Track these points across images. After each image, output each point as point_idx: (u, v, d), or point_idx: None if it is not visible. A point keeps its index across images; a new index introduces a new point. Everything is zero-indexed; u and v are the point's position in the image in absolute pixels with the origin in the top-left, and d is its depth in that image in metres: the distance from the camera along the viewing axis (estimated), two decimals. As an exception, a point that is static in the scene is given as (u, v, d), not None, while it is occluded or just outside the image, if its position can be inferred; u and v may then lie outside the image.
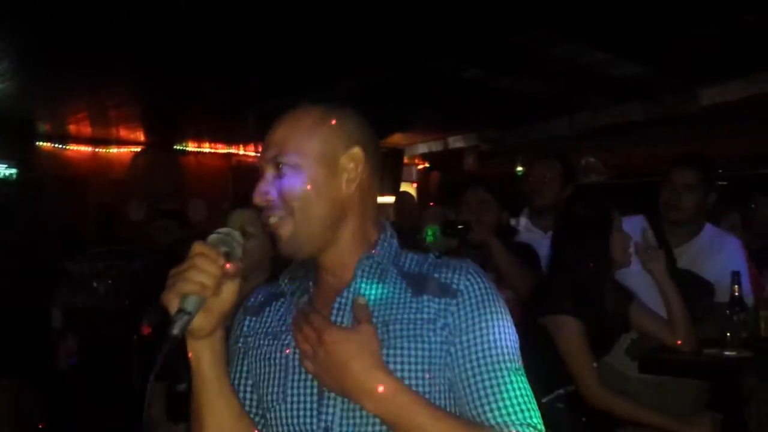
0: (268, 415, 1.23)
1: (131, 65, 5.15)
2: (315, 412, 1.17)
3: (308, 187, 1.21)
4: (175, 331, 1.06)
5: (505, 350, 1.16)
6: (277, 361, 1.24)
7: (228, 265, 1.13)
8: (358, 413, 1.15)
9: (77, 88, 6.04)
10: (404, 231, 1.89)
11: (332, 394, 1.15)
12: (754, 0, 3.85)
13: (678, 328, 2.46)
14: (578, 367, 2.32)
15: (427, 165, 9.92)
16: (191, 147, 8.92)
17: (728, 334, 2.47)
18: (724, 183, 3.89)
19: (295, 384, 1.20)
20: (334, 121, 1.26)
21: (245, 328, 1.34)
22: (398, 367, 1.14)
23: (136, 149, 8.32)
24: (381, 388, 1.08)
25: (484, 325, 1.17)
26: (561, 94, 6.04)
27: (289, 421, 1.19)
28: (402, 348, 1.16)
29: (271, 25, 4.07)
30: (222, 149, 9.19)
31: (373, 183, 1.30)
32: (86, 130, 7.68)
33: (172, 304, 1.08)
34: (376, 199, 1.34)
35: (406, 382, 1.12)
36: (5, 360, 3.37)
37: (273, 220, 1.23)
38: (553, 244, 2.63)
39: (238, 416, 1.21)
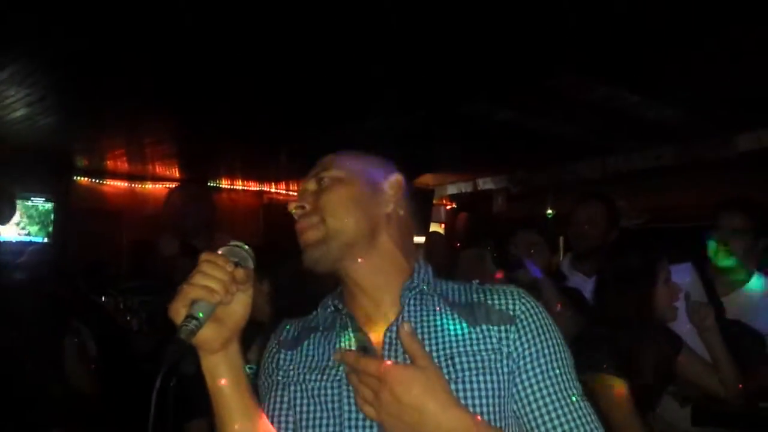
0: None
1: (168, 104, 5.25)
2: None
3: (346, 195, 1.21)
4: (182, 335, 0.99)
5: (571, 375, 1.14)
6: (328, 398, 1.17)
7: (236, 271, 1.09)
8: None
9: (116, 125, 6.15)
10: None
11: None
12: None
13: (725, 381, 2.34)
14: (623, 426, 2.16)
15: (454, 206, 9.89)
16: (224, 184, 9.02)
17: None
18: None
19: (353, 423, 1.13)
20: (378, 157, 1.32)
21: (281, 362, 1.27)
22: (469, 402, 1.08)
23: (170, 185, 8.43)
24: (461, 427, 1.00)
25: (547, 351, 1.14)
26: (593, 136, 6.01)
27: None
28: (471, 382, 1.10)
29: (304, 66, 4.13)
30: (254, 187, 9.28)
31: (409, 217, 1.30)
32: (123, 165, 7.82)
33: (180, 313, 1.03)
34: (411, 233, 1.33)
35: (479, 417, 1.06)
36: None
37: (304, 223, 1.21)
38: (596, 293, 2.50)
39: None
